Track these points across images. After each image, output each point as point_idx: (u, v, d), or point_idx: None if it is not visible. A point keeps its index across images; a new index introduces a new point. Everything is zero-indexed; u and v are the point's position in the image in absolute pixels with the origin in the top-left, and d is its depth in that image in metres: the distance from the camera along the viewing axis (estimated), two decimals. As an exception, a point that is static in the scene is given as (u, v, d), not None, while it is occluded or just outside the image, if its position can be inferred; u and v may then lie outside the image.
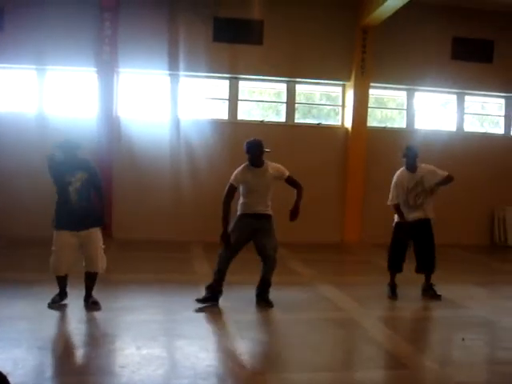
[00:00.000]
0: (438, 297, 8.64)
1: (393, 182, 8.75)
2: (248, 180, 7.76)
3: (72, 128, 12.86)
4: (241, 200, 7.87)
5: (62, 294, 7.33)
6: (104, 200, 7.84)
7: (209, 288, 7.77)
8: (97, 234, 7.27)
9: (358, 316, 7.71)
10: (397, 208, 8.65)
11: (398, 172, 8.81)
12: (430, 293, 8.73)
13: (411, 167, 8.69)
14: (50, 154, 7.19)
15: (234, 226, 7.74)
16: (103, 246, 7.41)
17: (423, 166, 8.73)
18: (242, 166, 7.94)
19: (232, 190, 7.72)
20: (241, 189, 7.84)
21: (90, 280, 7.36)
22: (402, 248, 8.75)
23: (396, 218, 8.77)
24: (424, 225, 8.68)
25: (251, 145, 8.01)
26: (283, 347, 6.45)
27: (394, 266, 8.89)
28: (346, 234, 14.48)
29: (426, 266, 8.75)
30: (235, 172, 7.87)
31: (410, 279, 9.50)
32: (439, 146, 13.98)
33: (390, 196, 8.73)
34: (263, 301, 7.82)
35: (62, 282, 7.30)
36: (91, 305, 7.25)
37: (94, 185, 7.30)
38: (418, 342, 6.76)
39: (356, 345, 6.85)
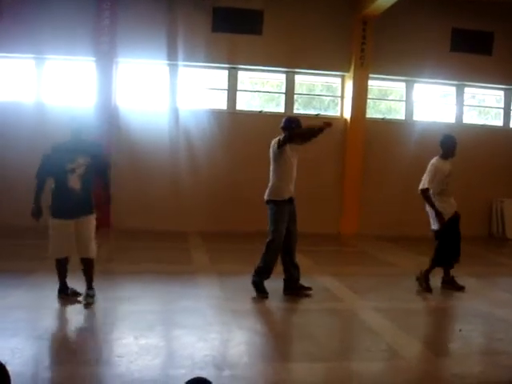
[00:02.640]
0: (461, 288, 8.68)
1: (432, 168, 8.60)
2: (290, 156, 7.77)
3: (70, 117, 12.91)
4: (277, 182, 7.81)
5: (65, 287, 7.22)
6: (109, 185, 7.60)
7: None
8: (92, 220, 7.15)
9: (355, 307, 7.73)
10: (428, 194, 8.53)
11: (434, 160, 8.72)
12: (454, 285, 8.75)
13: (447, 155, 8.73)
14: (53, 144, 7.02)
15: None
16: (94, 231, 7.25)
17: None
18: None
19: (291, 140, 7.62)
20: (276, 168, 7.78)
21: (88, 266, 7.18)
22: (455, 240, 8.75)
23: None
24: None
25: (296, 120, 7.95)
26: (281, 337, 6.48)
27: (449, 261, 8.81)
28: (343, 226, 14.49)
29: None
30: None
31: (408, 271, 9.54)
32: (437, 137, 13.95)
33: (428, 180, 8.56)
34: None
35: (63, 269, 7.15)
36: (87, 297, 7.06)
37: (97, 169, 7.13)
38: (415, 333, 6.78)
39: (353, 335, 6.87)
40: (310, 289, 7.96)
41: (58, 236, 6.93)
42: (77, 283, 7.29)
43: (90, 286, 7.17)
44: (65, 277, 7.21)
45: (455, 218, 8.74)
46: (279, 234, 7.70)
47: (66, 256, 7.13)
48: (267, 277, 7.82)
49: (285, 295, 7.90)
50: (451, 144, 8.72)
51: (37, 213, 6.92)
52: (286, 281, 7.98)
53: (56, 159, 6.88)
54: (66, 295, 7.17)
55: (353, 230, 14.36)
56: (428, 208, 8.62)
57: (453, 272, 8.81)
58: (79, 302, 7.03)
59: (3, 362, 2.72)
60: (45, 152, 6.97)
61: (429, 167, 8.62)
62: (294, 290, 7.93)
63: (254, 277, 7.86)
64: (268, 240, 7.79)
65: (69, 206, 6.92)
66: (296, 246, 7.95)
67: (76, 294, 7.19)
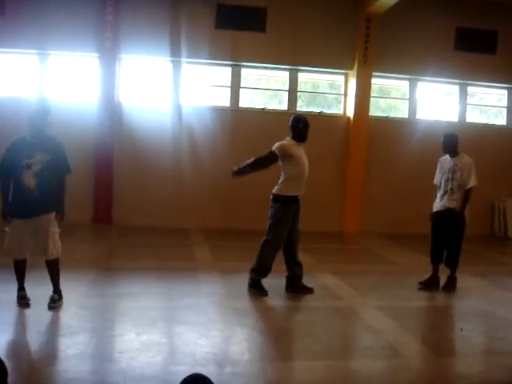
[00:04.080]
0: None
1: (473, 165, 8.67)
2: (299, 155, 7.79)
3: (73, 113, 12.94)
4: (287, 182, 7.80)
5: (22, 288, 6.78)
6: (64, 188, 6.85)
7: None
8: (49, 219, 6.59)
9: (356, 305, 7.73)
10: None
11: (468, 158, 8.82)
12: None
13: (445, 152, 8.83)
14: (14, 139, 6.66)
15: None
16: (58, 231, 6.74)
17: (462, 157, 8.78)
18: (287, 139, 7.87)
19: (273, 160, 7.76)
20: (285, 167, 7.79)
21: (50, 268, 6.76)
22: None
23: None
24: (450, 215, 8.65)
25: (303, 119, 7.95)
26: (282, 335, 6.48)
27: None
28: (345, 223, 14.49)
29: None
30: (281, 143, 7.82)
31: (410, 269, 9.54)
32: (441, 136, 13.95)
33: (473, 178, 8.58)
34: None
35: (22, 269, 6.75)
36: (50, 301, 6.67)
37: (56, 169, 6.64)
38: (417, 332, 6.79)
39: (354, 333, 6.88)
40: (311, 291, 7.96)
41: (12, 235, 6.53)
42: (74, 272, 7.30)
43: (54, 289, 6.80)
44: (24, 276, 6.78)
45: (438, 217, 8.69)
46: (279, 235, 7.68)
47: (24, 257, 6.71)
48: (265, 275, 7.82)
49: (287, 293, 7.91)
50: (444, 142, 8.83)
51: (4, 213, 6.57)
52: (288, 278, 7.98)
53: (13, 154, 6.48)
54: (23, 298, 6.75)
55: (355, 227, 14.35)
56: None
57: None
58: (53, 306, 6.67)
59: (3, 357, 2.73)
60: (7, 146, 6.62)
61: (467, 166, 8.59)
62: (296, 289, 7.93)
63: (250, 276, 7.86)
64: (265, 239, 7.78)
65: (23, 204, 6.48)
66: (298, 244, 7.95)
67: (54, 300, 6.71)
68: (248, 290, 7.83)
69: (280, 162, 7.77)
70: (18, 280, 6.75)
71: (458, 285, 8.64)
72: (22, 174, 6.43)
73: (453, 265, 8.67)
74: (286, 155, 7.66)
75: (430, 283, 8.70)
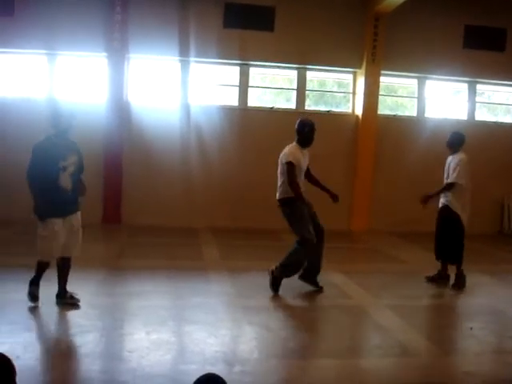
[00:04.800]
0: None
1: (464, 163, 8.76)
2: (301, 160, 7.85)
3: (82, 113, 12.97)
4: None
5: (38, 286, 6.81)
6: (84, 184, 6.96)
7: None
8: (79, 217, 6.83)
9: (366, 303, 7.73)
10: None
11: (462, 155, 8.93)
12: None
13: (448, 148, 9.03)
14: (43, 139, 6.67)
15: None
16: None
17: (458, 155, 8.88)
18: (293, 145, 7.91)
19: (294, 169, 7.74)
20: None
21: (67, 268, 6.85)
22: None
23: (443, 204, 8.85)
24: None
25: (309, 123, 7.98)
26: (291, 334, 6.48)
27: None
28: (354, 222, 14.46)
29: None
30: (290, 151, 7.82)
31: (419, 268, 9.53)
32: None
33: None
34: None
35: (45, 270, 6.80)
36: (70, 300, 6.78)
37: (80, 168, 6.78)
38: (426, 331, 6.79)
39: (364, 332, 6.88)
40: (321, 290, 7.98)
41: (50, 237, 6.55)
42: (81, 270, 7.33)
43: (63, 287, 6.87)
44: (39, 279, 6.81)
45: (438, 214, 9.03)
46: (307, 231, 7.69)
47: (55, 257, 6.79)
48: (290, 275, 7.84)
49: (298, 279, 7.94)
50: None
51: (40, 213, 6.57)
52: (305, 269, 7.98)
53: (48, 156, 6.50)
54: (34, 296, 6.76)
55: (364, 226, 14.33)
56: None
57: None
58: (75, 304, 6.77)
59: (15, 357, 2.75)
60: (34, 149, 6.61)
61: (456, 162, 8.77)
62: (308, 280, 7.94)
63: (276, 270, 7.83)
64: (297, 240, 7.78)
65: (60, 204, 6.57)
66: (324, 237, 8.03)
67: (73, 297, 6.84)
68: (271, 280, 7.83)
69: (281, 166, 7.86)
70: (37, 276, 6.78)
71: (467, 282, 8.64)
72: (58, 176, 6.50)
73: (453, 261, 8.82)
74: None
75: (438, 278, 8.86)
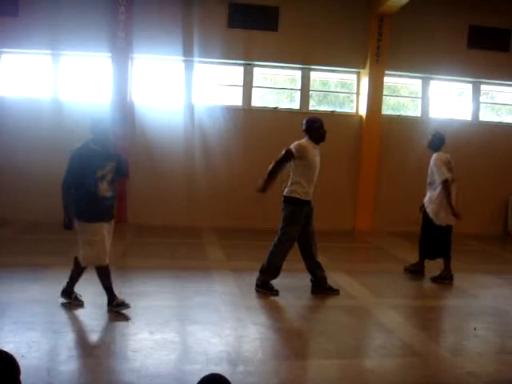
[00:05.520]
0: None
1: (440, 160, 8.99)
2: (316, 158, 7.75)
3: (86, 113, 13.01)
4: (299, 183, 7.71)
5: (72, 292, 6.87)
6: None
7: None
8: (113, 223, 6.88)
9: (369, 304, 7.73)
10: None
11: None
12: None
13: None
14: (79, 147, 6.51)
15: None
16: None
17: (435, 155, 9.14)
18: (306, 140, 7.78)
19: (288, 159, 7.64)
20: (296, 168, 7.70)
21: (106, 273, 6.77)
22: None
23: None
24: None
25: (318, 119, 7.93)
26: (295, 334, 6.49)
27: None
28: (358, 222, 14.47)
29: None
30: (301, 144, 7.68)
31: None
32: (454, 135, 13.93)
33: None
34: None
35: (79, 275, 6.87)
36: (119, 306, 6.68)
37: (119, 173, 6.73)
38: (430, 331, 6.77)
39: (367, 332, 6.87)
40: (338, 292, 7.98)
41: (100, 242, 6.57)
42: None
43: (109, 292, 6.81)
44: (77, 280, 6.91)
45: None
46: (291, 237, 7.69)
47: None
48: (274, 277, 7.83)
49: (312, 294, 7.93)
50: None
51: (69, 224, 6.58)
52: (313, 282, 7.99)
53: (85, 165, 6.38)
54: (70, 300, 6.84)
55: (368, 226, 14.33)
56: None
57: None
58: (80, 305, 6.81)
59: (19, 356, 2.76)
60: (71, 157, 6.47)
61: (432, 162, 9.11)
62: (322, 290, 7.94)
63: (259, 277, 7.88)
64: (277, 240, 7.78)
65: (101, 209, 6.53)
66: (316, 247, 7.93)
67: (79, 300, 6.87)
68: (255, 290, 7.85)
69: (292, 162, 7.69)
70: (71, 284, 6.84)
71: (469, 284, 8.70)
72: (97, 185, 6.42)
73: (427, 257, 9.29)
74: (302, 156, 7.57)
75: (440, 278, 9.04)
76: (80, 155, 6.43)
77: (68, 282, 6.87)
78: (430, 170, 9.12)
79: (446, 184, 8.80)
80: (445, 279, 8.93)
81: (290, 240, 7.72)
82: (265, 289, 7.80)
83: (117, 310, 6.60)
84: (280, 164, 7.65)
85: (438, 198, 8.93)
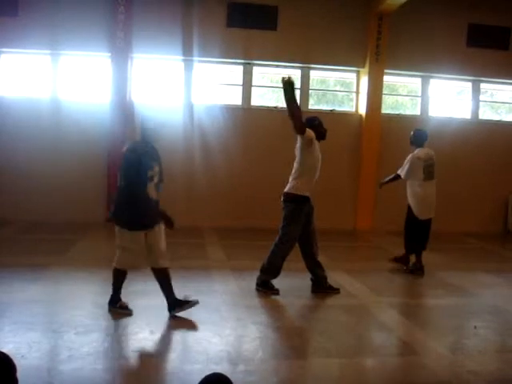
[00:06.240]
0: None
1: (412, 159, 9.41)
2: (318, 152, 7.72)
3: (85, 113, 13.03)
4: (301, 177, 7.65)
5: (117, 298, 6.74)
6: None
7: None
8: (162, 229, 6.75)
9: (370, 303, 7.73)
10: None
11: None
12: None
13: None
14: (133, 146, 6.47)
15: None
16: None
17: (416, 151, 9.51)
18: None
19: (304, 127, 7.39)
20: (300, 161, 7.64)
21: (161, 277, 6.75)
22: None
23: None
24: None
25: (317, 117, 7.95)
26: (295, 333, 6.48)
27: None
28: (358, 221, 14.46)
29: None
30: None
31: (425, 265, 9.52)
32: (453, 133, 13.95)
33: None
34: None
35: (122, 278, 6.74)
36: (179, 307, 6.64)
37: (159, 178, 6.64)
38: (430, 329, 6.77)
39: (368, 331, 6.87)
40: (338, 291, 7.97)
41: (134, 249, 6.51)
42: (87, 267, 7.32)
43: (169, 297, 6.76)
44: (120, 287, 6.77)
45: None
46: (292, 236, 7.67)
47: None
48: (274, 276, 7.83)
49: (312, 293, 7.92)
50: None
51: (135, 226, 6.45)
52: (313, 281, 7.99)
53: (139, 164, 6.29)
54: (116, 307, 6.67)
55: (368, 225, 14.33)
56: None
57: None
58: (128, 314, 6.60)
59: (19, 356, 2.76)
60: (128, 156, 6.38)
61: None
62: (322, 290, 7.93)
63: (259, 276, 7.88)
64: (278, 239, 7.77)
65: (147, 214, 6.44)
66: (317, 246, 7.93)
67: (126, 308, 6.68)
68: (256, 289, 7.85)
69: (299, 152, 7.61)
70: (117, 289, 6.71)
71: (469, 282, 8.72)
72: (146, 186, 6.34)
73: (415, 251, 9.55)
74: (310, 143, 7.46)
75: (415, 269, 9.46)
76: (136, 155, 6.32)
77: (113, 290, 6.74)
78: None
79: (396, 177, 9.61)
80: (418, 270, 9.39)
81: (290, 240, 7.71)
82: (265, 288, 7.80)
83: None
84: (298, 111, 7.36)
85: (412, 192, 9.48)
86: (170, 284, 6.72)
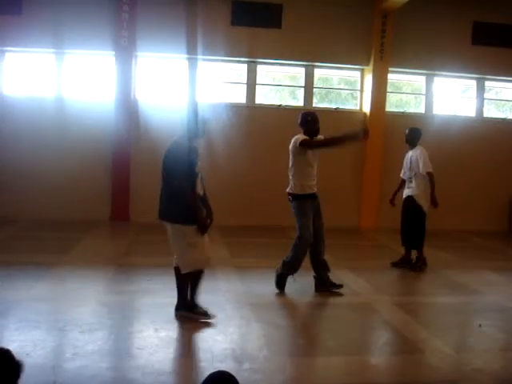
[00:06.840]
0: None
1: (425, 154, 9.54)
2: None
3: (90, 112, 13.04)
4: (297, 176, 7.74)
5: (186, 303, 6.50)
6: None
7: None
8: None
9: (374, 301, 7.71)
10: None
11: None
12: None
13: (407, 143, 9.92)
14: (181, 143, 6.54)
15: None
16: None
17: (418, 148, 9.68)
18: (301, 135, 7.74)
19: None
20: (298, 162, 7.71)
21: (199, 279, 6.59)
22: None
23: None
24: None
25: (311, 113, 7.95)
26: (300, 331, 6.49)
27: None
28: (362, 219, 14.45)
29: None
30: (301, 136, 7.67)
31: (428, 265, 9.50)
32: (458, 131, 13.91)
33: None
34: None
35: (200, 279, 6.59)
36: (185, 312, 6.42)
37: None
38: (435, 328, 6.76)
39: (372, 329, 6.86)
40: (340, 286, 7.95)
41: (202, 242, 6.49)
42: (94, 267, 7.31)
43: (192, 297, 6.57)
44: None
45: (403, 204, 9.94)
46: (306, 228, 7.64)
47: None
48: (293, 272, 7.82)
49: (315, 292, 7.91)
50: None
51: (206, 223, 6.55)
52: (316, 279, 7.98)
53: (191, 160, 6.32)
54: (188, 312, 6.45)
55: (372, 223, 14.32)
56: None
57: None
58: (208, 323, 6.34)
59: (24, 354, 2.76)
60: (179, 152, 6.44)
61: (418, 155, 9.57)
62: (326, 288, 7.91)
63: (280, 268, 7.84)
64: (296, 235, 7.77)
65: (195, 211, 6.45)
66: (324, 244, 7.92)
67: (205, 314, 6.41)
68: (275, 278, 7.81)
69: (291, 154, 7.74)
70: (188, 292, 6.54)
71: (474, 280, 8.67)
72: (195, 182, 6.36)
73: (416, 247, 9.61)
74: (304, 151, 7.62)
75: (401, 263, 9.62)
76: (185, 150, 6.36)
77: (179, 296, 6.56)
78: (410, 164, 9.69)
79: (432, 175, 9.38)
80: (405, 264, 9.58)
81: (304, 235, 7.63)
82: (279, 281, 7.79)
83: (196, 318, 6.38)
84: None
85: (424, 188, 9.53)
86: (178, 285, 6.60)
